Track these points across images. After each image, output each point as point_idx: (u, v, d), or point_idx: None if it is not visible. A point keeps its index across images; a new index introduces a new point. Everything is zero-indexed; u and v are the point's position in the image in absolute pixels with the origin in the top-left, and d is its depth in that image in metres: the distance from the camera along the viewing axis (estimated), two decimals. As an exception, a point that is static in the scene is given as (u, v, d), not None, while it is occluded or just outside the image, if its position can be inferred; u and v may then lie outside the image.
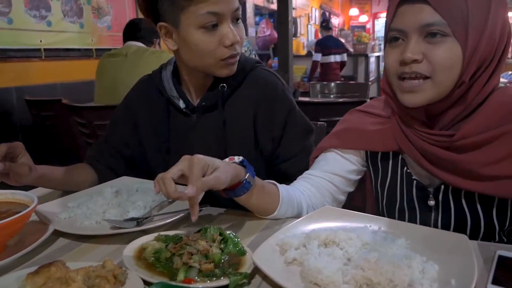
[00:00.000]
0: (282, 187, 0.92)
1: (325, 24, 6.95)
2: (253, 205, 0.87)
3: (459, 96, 0.79)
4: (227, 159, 0.84)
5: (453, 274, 0.61)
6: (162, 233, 0.76)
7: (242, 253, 0.69)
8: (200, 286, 0.59)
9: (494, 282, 0.60)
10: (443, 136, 0.81)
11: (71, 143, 2.73)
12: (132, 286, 0.60)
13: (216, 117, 1.04)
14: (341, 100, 2.67)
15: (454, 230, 0.84)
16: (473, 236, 0.84)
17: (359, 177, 1.01)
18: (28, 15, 3.36)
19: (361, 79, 8.07)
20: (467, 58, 0.76)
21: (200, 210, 0.92)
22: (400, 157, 0.93)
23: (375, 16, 12.78)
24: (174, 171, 0.73)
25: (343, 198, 1.01)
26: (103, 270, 0.60)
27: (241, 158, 0.85)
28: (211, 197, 0.97)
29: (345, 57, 6.58)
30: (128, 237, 0.80)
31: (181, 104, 1.08)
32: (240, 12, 0.97)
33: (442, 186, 0.86)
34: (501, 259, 0.67)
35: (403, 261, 0.60)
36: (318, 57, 6.43)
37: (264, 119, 1.05)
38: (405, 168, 0.91)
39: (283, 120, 1.05)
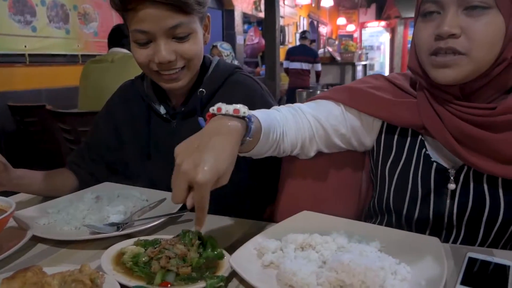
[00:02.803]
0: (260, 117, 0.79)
1: (301, 34, 7.27)
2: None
3: (498, 73, 0.73)
4: (215, 109, 0.72)
5: (424, 275, 0.63)
6: (142, 238, 0.77)
7: (220, 256, 0.70)
8: (178, 289, 0.60)
9: (463, 282, 0.62)
10: (483, 109, 0.75)
11: (55, 149, 2.71)
12: (108, 289, 0.60)
13: (195, 123, 1.05)
14: None
15: (470, 218, 0.81)
16: (489, 226, 0.81)
17: (341, 146, 0.95)
18: (13, 20, 3.34)
19: (347, 87, 8.16)
20: (510, 33, 0.70)
21: (181, 216, 0.93)
22: (419, 138, 0.87)
23: (362, 26, 12.97)
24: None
25: (311, 153, 0.94)
26: (80, 274, 0.60)
27: (246, 112, 0.71)
28: None
29: (318, 67, 6.80)
30: (108, 243, 0.80)
31: (162, 110, 1.08)
32: (183, 29, 0.91)
33: (465, 168, 0.81)
34: (471, 260, 0.69)
35: (376, 263, 0.61)
36: (285, 63, 6.73)
37: None
38: (424, 150, 0.85)
39: None
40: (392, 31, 11.50)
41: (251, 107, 1.06)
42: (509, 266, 0.66)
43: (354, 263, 0.60)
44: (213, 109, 0.72)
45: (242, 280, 0.65)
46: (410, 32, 11.08)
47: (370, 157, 1.00)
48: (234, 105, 0.70)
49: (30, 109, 2.86)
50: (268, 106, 1.08)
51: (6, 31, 3.26)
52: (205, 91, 1.04)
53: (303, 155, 0.96)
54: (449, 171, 0.83)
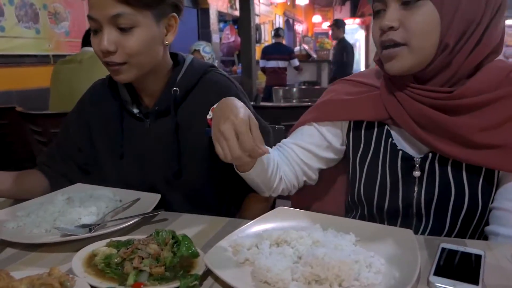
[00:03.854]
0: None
1: (275, 32, 7.22)
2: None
3: (445, 61, 0.79)
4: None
5: (398, 267, 0.63)
6: (115, 239, 0.75)
7: (195, 255, 0.68)
8: (151, 289, 0.59)
9: (436, 273, 0.63)
10: (442, 93, 0.80)
11: (27, 152, 2.62)
12: (79, 293, 0.59)
13: (169, 122, 1.03)
14: (303, 104, 2.72)
15: (437, 204, 0.85)
16: (455, 214, 0.84)
17: (334, 156, 1.02)
18: (-21, 20, 3.22)
19: (324, 84, 8.23)
20: (446, 20, 0.76)
21: (156, 215, 0.92)
22: (385, 128, 0.91)
23: (337, 23, 13.09)
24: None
25: (313, 176, 1.03)
26: (49, 278, 0.58)
27: None
28: (164, 202, 0.97)
29: (296, 62, 6.80)
30: (80, 245, 0.78)
31: (135, 109, 1.06)
32: (125, 20, 0.89)
33: (430, 155, 0.85)
34: (444, 251, 0.70)
35: (350, 256, 0.61)
36: (262, 63, 6.69)
37: None
38: (390, 139, 0.90)
39: None
40: (367, 29, 11.63)
41: None
42: (481, 255, 0.68)
43: (329, 257, 0.60)
44: (210, 115, 0.85)
45: (217, 278, 0.64)
46: (384, 30, 11.22)
47: (345, 152, 1.02)
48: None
49: (0, 111, 2.76)
50: None
51: (-28, 31, 3.15)
52: (179, 90, 1.02)
53: (311, 181, 1.05)
54: (414, 158, 0.86)
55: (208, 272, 0.65)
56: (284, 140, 1.04)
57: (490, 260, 0.67)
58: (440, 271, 0.63)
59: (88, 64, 2.27)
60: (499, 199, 0.82)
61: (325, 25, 13.51)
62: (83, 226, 0.81)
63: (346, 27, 7.19)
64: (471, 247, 0.71)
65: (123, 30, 0.90)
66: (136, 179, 1.06)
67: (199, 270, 0.64)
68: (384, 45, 0.81)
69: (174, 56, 1.08)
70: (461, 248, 0.70)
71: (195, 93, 1.04)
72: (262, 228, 0.77)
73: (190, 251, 0.69)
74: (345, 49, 6.63)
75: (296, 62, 6.88)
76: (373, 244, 0.71)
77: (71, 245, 0.79)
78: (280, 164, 0.98)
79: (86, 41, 2.43)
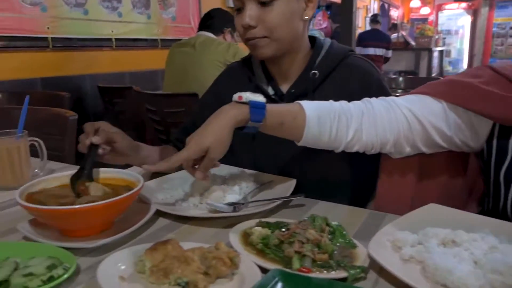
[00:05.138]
0: (308, 107, 0.82)
1: (372, 17, 6.85)
2: (280, 135, 0.85)
3: None
4: (236, 97, 0.82)
5: None
6: (263, 219, 0.75)
7: (353, 246, 0.66)
8: (322, 276, 0.57)
9: None
10: None
11: (140, 129, 2.83)
12: (246, 270, 0.59)
13: None
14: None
15: None
16: None
17: (443, 145, 0.85)
18: (101, 6, 3.51)
19: (423, 74, 7.72)
20: None
21: (294, 199, 0.91)
22: None
23: (439, 8, 12.13)
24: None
25: (406, 151, 0.86)
26: (220, 252, 0.59)
27: (249, 97, 0.80)
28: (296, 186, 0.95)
29: (390, 53, 6.43)
30: (225, 222, 0.80)
31: (270, 91, 1.06)
32: None
33: None
34: None
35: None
36: (358, 50, 6.41)
37: None
38: None
39: None
40: (474, 13, 10.60)
41: (367, 91, 1.01)
42: None
43: (521, 265, 0.53)
44: (234, 97, 0.82)
45: (380, 272, 0.61)
46: (496, 14, 10.14)
47: (480, 158, 0.89)
48: (245, 92, 0.81)
49: (118, 90, 3.00)
50: (384, 91, 1.01)
51: (96, 17, 3.44)
52: (318, 73, 1.00)
53: (396, 153, 0.89)
54: None
55: (369, 265, 0.62)
56: (396, 100, 0.86)
57: None
58: None
59: (200, 48, 2.36)
60: None
61: (424, 11, 12.63)
62: (229, 204, 0.83)
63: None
64: None
65: (264, 4, 0.93)
66: (267, 162, 1.07)
67: (362, 261, 0.62)
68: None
69: (311, 39, 1.06)
70: None
71: (335, 77, 1.01)
72: (418, 225, 0.71)
73: (346, 241, 0.67)
74: None
75: (390, 53, 6.55)
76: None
77: (218, 221, 0.81)
78: (367, 123, 0.83)
79: (200, 24, 2.52)
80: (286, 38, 0.97)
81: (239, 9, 0.96)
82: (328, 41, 1.06)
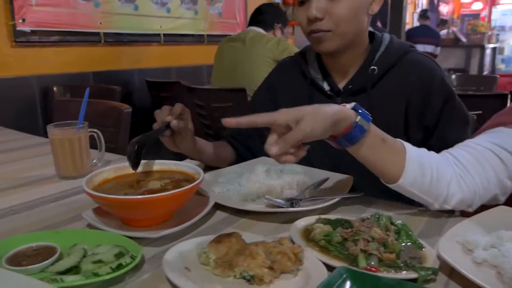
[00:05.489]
0: (409, 146, 0.78)
1: (421, 13, 6.61)
2: (373, 162, 0.77)
3: None
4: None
5: None
6: (323, 216, 0.74)
7: (419, 246, 0.64)
8: (391, 276, 0.56)
9: None
10: None
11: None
12: (311, 266, 0.59)
13: (363, 101, 0.98)
14: (479, 93, 2.41)
15: None
16: None
17: None
18: (151, 1, 3.60)
19: (473, 72, 7.37)
20: None
21: (353, 197, 0.89)
22: None
23: (493, 3, 11.51)
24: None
25: (509, 183, 0.82)
26: (285, 248, 0.59)
27: (353, 103, 0.75)
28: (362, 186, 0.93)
29: (438, 50, 6.16)
30: (283, 217, 0.80)
31: (326, 86, 1.05)
32: None
33: None
34: None
35: None
36: None
37: (419, 107, 0.97)
38: None
39: (439, 109, 0.97)
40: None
41: (429, 88, 0.97)
42: None
43: None
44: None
45: (451, 275, 0.58)
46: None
47: None
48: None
49: (165, 84, 3.06)
50: (447, 91, 0.97)
51: (145, 12, 3.53)
52: (377, 69, 0.97)
53: (502, 195, 0.83)
54: None
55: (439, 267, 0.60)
56: (471, 140, 0.84)
57: None
58: None
59: (249, 43, 2.36)
60: None
61: (476, 6, 12.02)
62: (287, 199, 0.83)
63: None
64: None
65: None
66: (320, 158, 1.05)
67: (432, 263, 0.59)
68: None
69: (370, 34, 1.03)
70: None
71: (394, 73, 0.98)
72: (488, 227, 0.68)
73: (413, 241, 0.65)
74: None
75: (438, 50, 6.30)
76: None
77: (276, 216, 0.81)
78: (461, 165, 0.80)
79: (251, 20, 2.53)
80: (351, 33, 0.95)
81: (302, 2, 0.95)
82: (387, 36, 1.03)
